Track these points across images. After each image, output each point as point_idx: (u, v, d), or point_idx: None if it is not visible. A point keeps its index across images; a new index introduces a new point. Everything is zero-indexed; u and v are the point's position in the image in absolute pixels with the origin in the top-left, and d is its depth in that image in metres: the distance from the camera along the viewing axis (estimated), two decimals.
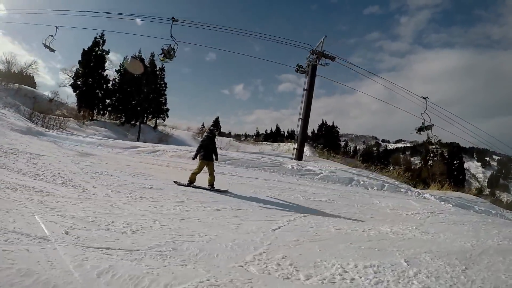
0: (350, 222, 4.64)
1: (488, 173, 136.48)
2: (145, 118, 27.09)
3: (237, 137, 38.44)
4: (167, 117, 27.76)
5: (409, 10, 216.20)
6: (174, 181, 6.00)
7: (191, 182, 5.81)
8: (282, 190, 7.04)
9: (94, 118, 25.01)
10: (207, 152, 5.89)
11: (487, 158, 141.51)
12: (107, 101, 26.31)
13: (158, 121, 27.59)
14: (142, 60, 26.88)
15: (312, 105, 12.60)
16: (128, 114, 25.53)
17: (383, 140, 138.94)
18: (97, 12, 15.08)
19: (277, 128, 45.55)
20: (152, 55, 27.16)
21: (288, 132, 42.99)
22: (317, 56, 12.26)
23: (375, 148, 63.44)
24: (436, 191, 12.82)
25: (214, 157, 6.02)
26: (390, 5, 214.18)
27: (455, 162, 32.23)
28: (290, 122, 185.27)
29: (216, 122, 40.39)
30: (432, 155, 28.64)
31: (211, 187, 5.77)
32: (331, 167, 11.46)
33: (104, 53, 25.95)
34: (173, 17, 12.56)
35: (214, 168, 6.00)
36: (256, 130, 47.90)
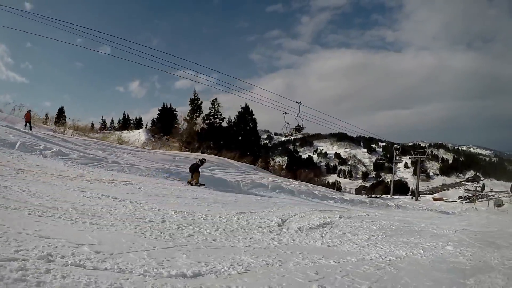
0: None
1: (374, 158, 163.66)
2: None
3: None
4: None
5: (310, 11, 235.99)
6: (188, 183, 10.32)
7: (189, 183, 10.25)
8: None
9: None
10: (192, 171, 10.46)
11: (373, 145, 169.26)
12: None
13: None
14: None
15: None
16: None
17: (275, 134, 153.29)
18: None
19: (125, 117, 43.77)
20: None
21: (135, 120, 41.91)
22: None
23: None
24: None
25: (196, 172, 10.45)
26: (293, 4, 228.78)
27: (252, 138, 34.85)
28: None
29: (61, 112, 37.77)
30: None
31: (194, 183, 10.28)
32: None
33: None
34: None
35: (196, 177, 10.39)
36: (102, 120, 45.01)
